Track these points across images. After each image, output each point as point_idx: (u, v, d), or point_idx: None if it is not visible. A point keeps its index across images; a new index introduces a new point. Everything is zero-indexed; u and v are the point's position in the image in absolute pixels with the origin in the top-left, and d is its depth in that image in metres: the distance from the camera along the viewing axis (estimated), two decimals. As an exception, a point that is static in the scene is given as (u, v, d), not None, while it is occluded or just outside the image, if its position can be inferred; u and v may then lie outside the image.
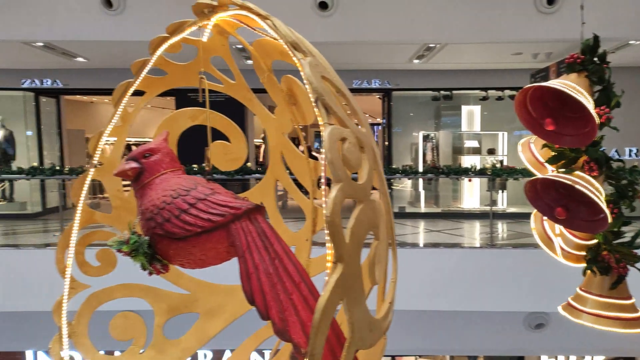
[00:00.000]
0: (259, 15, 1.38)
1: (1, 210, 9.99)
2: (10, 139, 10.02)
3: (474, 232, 9.00)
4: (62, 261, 2.04)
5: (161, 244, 1.55)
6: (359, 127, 1.30)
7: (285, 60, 1.70)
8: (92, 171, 2.07)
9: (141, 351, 2.09)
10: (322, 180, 1.15)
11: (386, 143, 10.54)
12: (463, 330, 6.93)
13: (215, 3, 1.57)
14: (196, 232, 1.50)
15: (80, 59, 8.42)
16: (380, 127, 11.90)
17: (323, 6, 6.62)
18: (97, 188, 12.14)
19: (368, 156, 1.22)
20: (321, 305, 0.99)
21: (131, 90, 2.00)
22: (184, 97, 9.44)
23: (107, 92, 8.19)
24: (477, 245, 8.02)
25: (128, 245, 1.54)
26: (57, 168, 7.40)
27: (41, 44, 7.34)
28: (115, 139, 2.20)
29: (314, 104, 1.16)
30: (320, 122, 1.14)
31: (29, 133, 10.23)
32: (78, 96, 11.70)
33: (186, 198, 1.54)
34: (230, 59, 1.89)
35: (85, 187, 2.07)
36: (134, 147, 2.02)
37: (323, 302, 0.99)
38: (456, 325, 6.92)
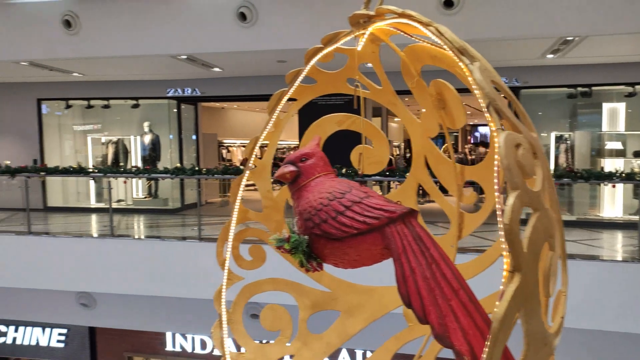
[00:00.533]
0: (420, 22, 1.40)
1: (147, 206, 11.29)
2: (156, 142, 11.31)
3: (616, 243, 8.11)
4: (221, 254, 2.26)
5: (318, 243, 1.64)
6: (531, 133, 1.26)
7: (437, 65, 1.70)
8: (247, 173, 2.26)
9: (288, 343, 2.23)
10: (496, 187, 1.13)
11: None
12: (607, 353, 6.27)
13: (372, 13, 1.62)
14: (352, 234, 1.57)
15: (216, 69, 9.21)
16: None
17: (448, 4, 6.45)
18: (226, 187, 13.19)
19: (541, 162, 1.17)
20: (500, 314, 0.98)
21: (285, 98, 2.14)
22: (307, 103, 9.89)
23: (239, 98, 8.83)
24: (620, 258, 7.21)
25: (289, 243, 1.66)
26: (196, 169, 8.16)
27: (185, 56, 8.16)
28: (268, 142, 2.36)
29: (484, 109, 1.14)
30: (492, 127, 1.13)
31: (171, 137, 11.43)
32: (211, 103, 12.80)
33: (342, 201, 1.62)
34: (379, 65, 1.94)
35: (242, 188, 2.27)
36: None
37: (502, 311, 0.98)
38: (595, 346, 6.29)
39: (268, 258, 2.28)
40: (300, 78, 2.01)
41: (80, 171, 8.35)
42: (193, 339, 9.09)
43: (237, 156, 15.63)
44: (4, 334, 9.75)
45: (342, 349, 8.03)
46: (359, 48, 1.82)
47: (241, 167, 12.42)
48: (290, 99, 2.16)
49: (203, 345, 9.08)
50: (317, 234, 1.63)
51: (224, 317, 2.17)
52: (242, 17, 7.02)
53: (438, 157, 2.02)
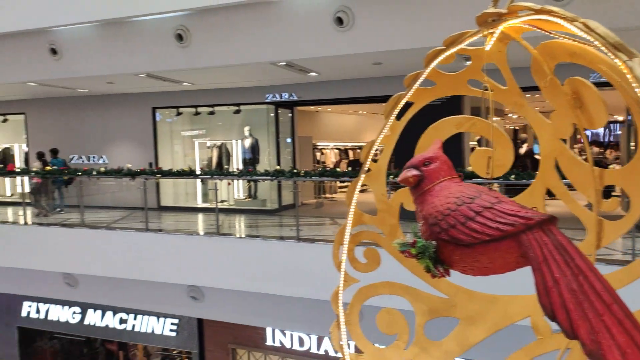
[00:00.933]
0: (564, 18, 1.31)
1: (247, 206, 11.86)
2: (255, 145, 11.85)
3: None
4: (337, 256, 2.31)
5: (445, 249, 1.61)
6: None
7: (575, 62, 1.59)
8: (362, 177, 2.29)
9: (405, 348, 2.22)
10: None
11: (632, 144, 9.00)
12: None
13: (503, 11, 1.56)
14: (484, 240, 1.51)
15: (312, 74, 9.43)
16: (624, 125, 10.22)
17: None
18: (321, 188, 13.45)
19: None
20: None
21: (403, 102, 2.14)
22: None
23: (334, 101, 8.90)
24: None
25: (415, 248, 1.65)
26: (295, 171, 8.42)
27: (284, 63, 8.45)
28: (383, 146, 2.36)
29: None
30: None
31: (288, 140, 11.87)
32: (306, 107, 13.13)
33: (471, 206, 1.57)
34: (505, 65, 1.86)
35: (357, 191, 2.30)
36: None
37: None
38: None
39: (387, 261, 2.28)
40: (419, 81, 1.98)
41: (190, 174, 9.00)
42: (292, 335, 9.38)
43: (331, 158, 15.87)
44: (125, 321, 10.80)
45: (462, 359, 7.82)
46: (487, 48, 1.75)
47: (337, 169, 12.59)
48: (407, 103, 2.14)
49: (301, 342, 9.34)
50: (445, 239, 1.60)
51: (342, 319, 2.21)
52: (339, 21, 7.12)
53: (571, 159, 1.89)
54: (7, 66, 9.56)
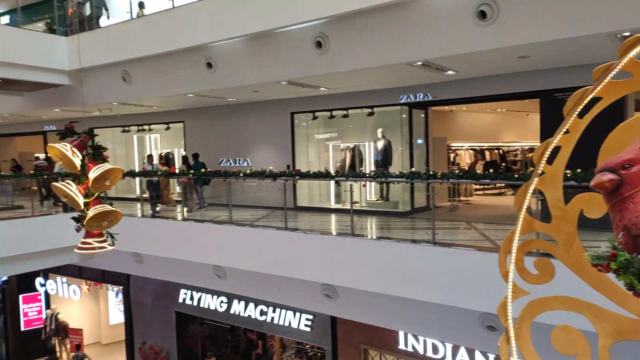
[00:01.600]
0: None
1: (380, 208, 11.86)
2: (388, 147, 11.80)
3: None
4: (504, 265, 2.16)
5: (657, 265, 1.40)
6: None
7: None
8: (535, 181, 2.12)
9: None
10: None
11: None
12: None
13: None
14: None
15: (450, 72, 9.10)
16: None
17: None
18: (455, 191, 12.93)
19: None
20: None
21: (589, 98, 1.92)
22: (550, 98, 8.95)
23: (471, 100, 8.45)
24: None
25: (615, 262, 1.46)
26: (431, 173, 8.19)
27: (420, 63, 8.28)
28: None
29: None
30: None
31: (420, 141, 11.74)
32: (440, 106, 12.73)
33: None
34: None
35: (528, 196, 2.13)
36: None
37: None
38: None
39: (562, 274, 2.08)
40: (612, 73, 1.76)
41: (327, 175, 9.28)
42: (425, 341, 9.15)
43: (465, 159, 15.18)
44: (265, 313, 11.53)
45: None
46: None
47: (476, 171, 11.99)
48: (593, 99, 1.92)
49: (435, 349, 9.06)
50: (655, 253, 1.39)
51: (512, 333, 2.07)
52: (482, 15, 6.75)
53: None
54: (171, 81, 10.88)
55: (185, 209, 11.96)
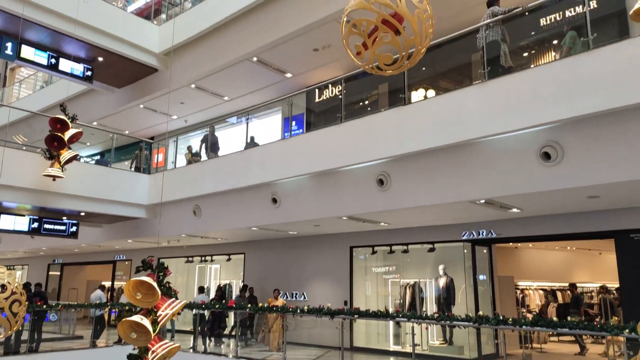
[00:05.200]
0: None
1: (443, 353, 10.97)
2: (451, 286, 11.31)
3: None
4: None
5: None
6: None
7: None
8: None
9: None
10: None
11: None
12: None
13: None
14: None
15: (514, 210, 8.98)
16: None
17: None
18: (527, 337, 11.84)
19: None
20: None
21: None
22: (626, 239, 8.49)
23: (537, 238, 8.13)
24: None
25: None
26: (501, 318, 7.65)
27: (483, 201, 8.28)
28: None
29: None
30: None
31: (482, 277, 11.22)
32: (505, 243, 12.33)
33: None
34: None
35: None
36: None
37: None
38: None
39: None
40: None
41: (387, 315, 8.89)
42: None
43: (535, 301, 14.16)
44: None
45: None
46: None
47: (549, 316, 11.07)
48: None
49: None
50: None
51: None
52: (546, 156, 6.84)
53: None
54: (238, 215, 11.46)
55: (238, 344, 11.65)
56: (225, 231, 12.90)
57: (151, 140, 16.07)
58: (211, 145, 13.28)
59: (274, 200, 10.56)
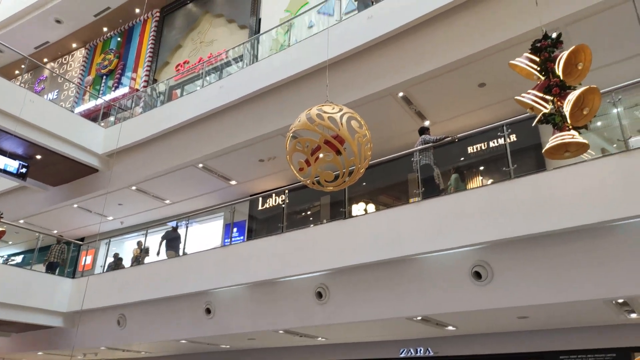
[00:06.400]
0: None
1: None
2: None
3: None
4: None
5: None
6: None
7: None
8: None
9: None
10: None
11: None
12: None
13: None
14: None
15: (450, 327, 9.02)
16: None
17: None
18: None
19: None
20: None
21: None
22: (556, 360, 8.61)
23: (472, 357, 8.05)
24: None
25: None
26: None
27: (419, 317, 8.29)
28: None
29: None
30: None
31: None
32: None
33: None
34: None
35: None
36: None
37: None
38: None
39: None
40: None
41: None
42: None
43: None
44: None
45: None
46: None
47: None
48: None
49: None
50: None
51: None
52: (477, 275, 7.10)
53: None
54: (167, 325, 10.68)
55: None
56: (151, 344, 11.89)
57: (81, 242, 15.22)
58: (171, 240, 12.43)
59: (208, 311, 10.03)
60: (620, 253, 6.12)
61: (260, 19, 15.26)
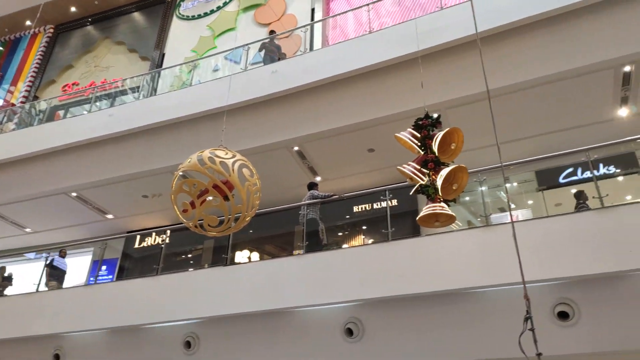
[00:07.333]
0: None
1: None
2: None
3: None
4: None
5: None
6: None
7: None
8: None
9: None
10: None
11: None
12: None
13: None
14: None
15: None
16: None
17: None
18: None
19: None
20: None
21: None
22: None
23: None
24: None
25: None
26: None
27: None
28: None
29: None
30: None
31: None
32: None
33: None
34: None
35: None
36: None
37: None
38: None
39: None
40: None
41: None
42: None
43: None
44: None
45: None
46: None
47: None
48: None
49: None
50: None
51: None
52: (349, 332, 7.26)
53: None
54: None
55: None
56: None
57: None
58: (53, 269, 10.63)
59: (56, 357, 8.88)
60: (479, 317, 6.67)
61: (164, 54, 14.98)
